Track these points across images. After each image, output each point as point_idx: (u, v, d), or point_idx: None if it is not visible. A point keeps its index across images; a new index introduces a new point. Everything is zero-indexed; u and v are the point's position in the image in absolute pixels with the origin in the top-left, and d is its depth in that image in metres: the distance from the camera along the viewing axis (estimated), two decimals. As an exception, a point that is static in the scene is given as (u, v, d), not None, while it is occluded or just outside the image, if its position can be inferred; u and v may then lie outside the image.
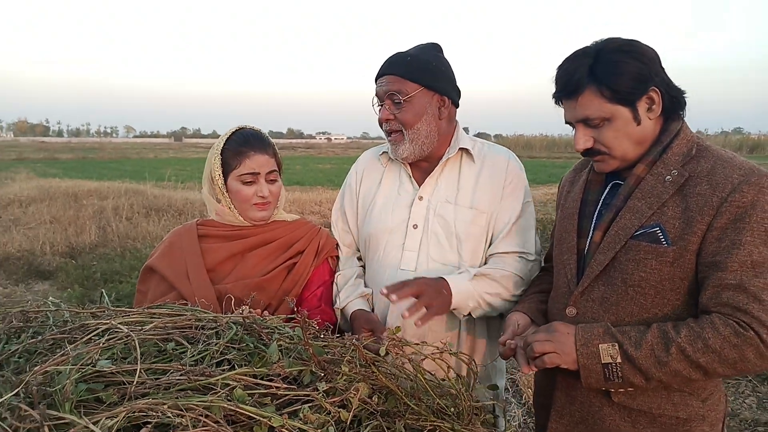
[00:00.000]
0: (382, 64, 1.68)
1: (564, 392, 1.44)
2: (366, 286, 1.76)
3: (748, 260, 1.20)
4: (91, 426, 0.74)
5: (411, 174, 1.75)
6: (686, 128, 1.36)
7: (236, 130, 1.69)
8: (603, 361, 1.28)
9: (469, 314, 1.63)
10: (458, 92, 1.72)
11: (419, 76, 1.62)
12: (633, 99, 1.29)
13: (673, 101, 1.34)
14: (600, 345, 1.28)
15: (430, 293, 1.48)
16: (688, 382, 1.30)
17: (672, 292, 1.30)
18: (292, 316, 1.23)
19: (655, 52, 1.32)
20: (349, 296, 1.71)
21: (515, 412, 3.56)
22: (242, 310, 1.25)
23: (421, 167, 1.74)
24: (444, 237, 1.68)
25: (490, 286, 1.61)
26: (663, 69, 1.33)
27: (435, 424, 1.13)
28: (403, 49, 1.69)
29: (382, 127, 1.70)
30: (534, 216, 1.76)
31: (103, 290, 1.51)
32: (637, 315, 1.33)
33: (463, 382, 1.21)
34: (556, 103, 1.40)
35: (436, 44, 1.71)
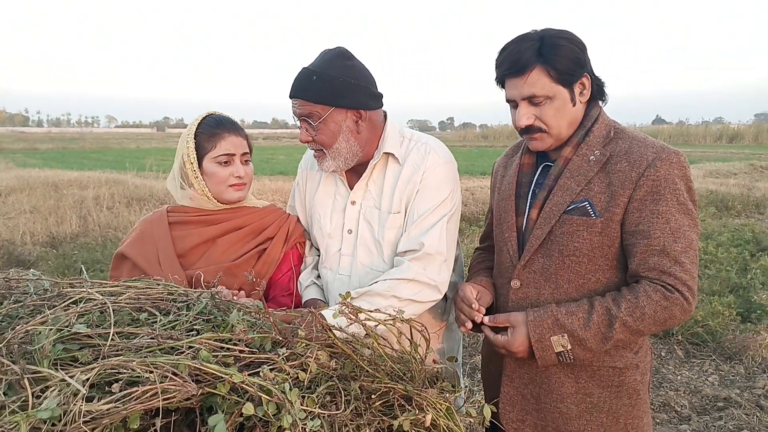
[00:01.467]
0: (293, 81, 1.63)
1: (513, 359, 1.57)
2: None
3: (667, 227, 1.38)
4: (68, 379, 0.83)
5: (344, 179, 1.78)
6: (603, 113, 1.54)
7: (207, 116, 1.76)
8: (556, 351, 1.45)
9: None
10: (376, 96, 1.68)
11: (327, 97, 1.59)
12: (572, 81, 1.45)
13: (599, 89, 1.52)
14: (551, 338, 1.44)
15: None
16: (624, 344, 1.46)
17: (602, 258, 1.47)
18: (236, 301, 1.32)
19: (584, 43, 1.47)
20: (303, 282, 1.80)
21: (463, 381, 3.72)
22: (214, 288, 1.34)
23: (355, 169, 1.75)
24: (372, 242, 1.71)
25: (373, 301, 1.54)
26: (589, 59, 1.49)
27: (389, 386, 1.24)
28: (310, 64, 1.63)
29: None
30: (452, 209, 1.70)
31: (82, 265, 1.59)
32: (574, 282, 1.49)
33: (415, 347, 1.31)
34: (498, 83, 1.53)
35: (343, 51, 1.65)
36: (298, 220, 1.91)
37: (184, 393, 0.90)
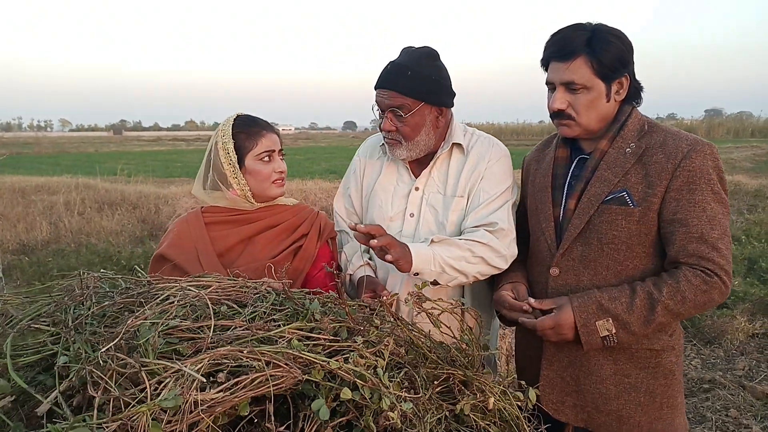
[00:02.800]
0: (381, 72, 1.75)
1: (553, 343, 1.64)
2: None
3: (704, 215, 1.46)
4: (187, 369, 0.85)
5: (408, 167, 1.89)
6: (636, 110, 1.62)
7: (237, 116, 1.78)
8: (601, 335, 1.51)
9: (436, 283, 1.71)
10: (453, 96, 1.83)
11: (421, 92, 1.71)
12: (612, 77, 1.52)
13: (636, 91, 1.59)
14: (596, 322, 1.51)
15: (396, 248, 1.58)
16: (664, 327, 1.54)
17: (639, 246, 1.55)
18: (303, 290, 1.36)
19: (632, 45, 1.54)
20: (357, 264, 1.86)
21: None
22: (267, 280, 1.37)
23: (418, 159, 1.87)
24: (434, 225, 1.83)
25: (448, 249, 1.67)
26: (634, 61, 1.55)
27: (449, 372, 1.29)
28: (398, 58, 1.75)
29: (382, 133, 1.81)
30: (513, 197, 1.85)
31: (135, 266, 1.59)
32: (612, 268, 1.57)
33: (472, 334, 1.37)
34: (543, 64, 1.60)
35: (433, 52, 1.78)
36: (327, 216, 1.95)
37: (291, 379, 0.93)
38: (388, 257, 1.58)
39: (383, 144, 1.91)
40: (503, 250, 1.73)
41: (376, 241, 1.55)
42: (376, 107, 1.79)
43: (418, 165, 1.89)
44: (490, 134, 1.98)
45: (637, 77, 1.60)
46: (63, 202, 8.97)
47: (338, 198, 2.06)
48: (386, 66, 1.75)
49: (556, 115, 1.59)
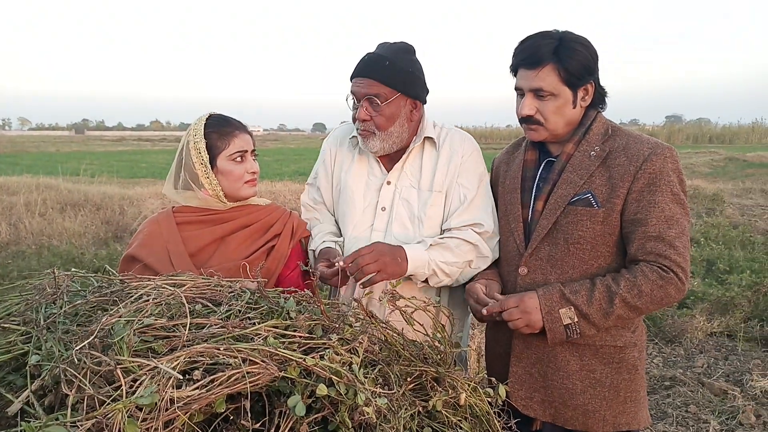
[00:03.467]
0: (358, 63, 1.79)
1: (521, 340, 1.70)
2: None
3: (662, 215, 1.53)
4: (163, 366, 0.86)
5: (379, 160, 1.91)
6: (600, 114, 1.69)
7: (210, 115, 1.77)
8: (564, 323, 1.56)
9: (427, 281, 1.80)
10: (427, 91, 1.88)
11: (397, 82, 1.76)
12: (578, 84, 1.59)
13: (600, 97, 1.67)
14: (560, 310, 1.56)
15: (385, 260, 1.65)
16: (624, 322, 1.60)
17: (604, 246, 1.61)
18: (278, 289, 1.37)
19: (597, 53, 1.61)
20: (321, 238, 1.89)
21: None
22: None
23: (389, 154, 1.90)
24: (407, 218, 1.85)
25: (443, 254, 1.75)
26: (599, 68, 1.63)
27: (422, 369, 1.32)
28: (376, 51, 1.79)
29: (355, 123, 1.83)
30: (490, 192, 1.90)
31: (106, 265, 1.57)
32: (578, 267, 1.62)
33: (444, 331, 1.39)
34: (512, 71, 1.66)
35: (409, 46, 1.83)
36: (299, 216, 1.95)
37: (268, 375, 0.94)
38: (379, 276, 1.64)
39: (354, 136, 1.92)
40: (487, 253, 1.80)
41: (372, 266, 1.62)
42: (350, 98, 1.81)
43: (390, 160, 1.91)
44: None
45: (602, 83, 1.67)
46: (23, 202, 8.71)
47: (306, 189, 2.06)
48: (363, 57, 1.79)
49: (525, 120, 1.65)
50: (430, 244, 1.76)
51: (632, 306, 1.53)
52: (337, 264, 1.66)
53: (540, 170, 1.73)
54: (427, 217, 1.84)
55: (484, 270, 1.82)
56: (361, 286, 1.65)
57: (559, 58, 1.56)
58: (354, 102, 1.81)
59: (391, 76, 1.75)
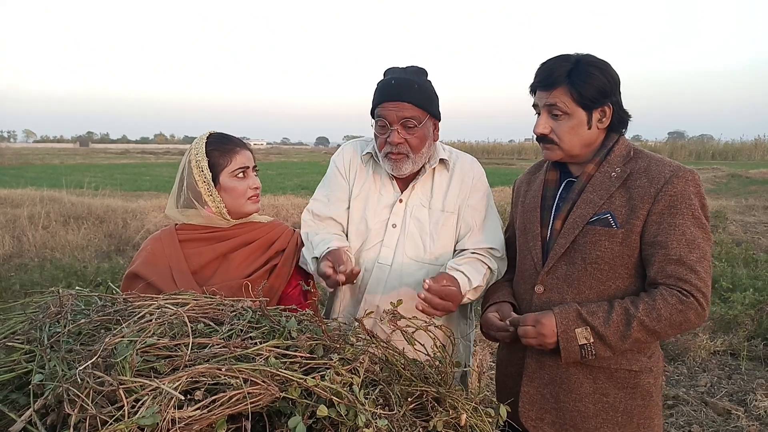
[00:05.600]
0: (385, 87, 1.81)
1: (534, 360, 1.69)
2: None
3: (683, 239, 1.51)
4: (165, 387, 0.86)
5: (394, 179, 1.93)
6: (623, 137, 1.68)
7: (210, 134, 1.79)
8: (580, 343, 1.54)
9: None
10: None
11: (426, 104, 1.81)
12: (592, 107, 1.60)
13: (620, 120, 1.66)
14: (576, 329, 1.54)
15: (445, 304, 1.63)
16: (641, 346, 1.59)
17: (622, 267, 1.59)
18: (279, 307, 1.37)
19: (619, 78, 1.63)
20: (325, 241, 1.83)
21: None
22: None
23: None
24: (419, 237, 1.87)
25: (473, 275, 1.77)
26: (620, 93, 1.64)
27: (423, 389, 1.32)
28: (397, 75, 1.82)
29: (384, 148, 1.83)
30: (497, 212, 1.96)
31: (108, 282, 1.58)
32: (595, 288, 1.61)
33: (445, 351, 1.40)
34: (531, 91, 1.69)
35: (423, 69, 1.88)
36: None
37: (269, 396, 0.95)
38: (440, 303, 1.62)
39: (367, 153, 1.94)
40: (500, 276, 1.87)
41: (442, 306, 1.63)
42: (378, 122, 1.82)
43: (404, 179, 1.93)
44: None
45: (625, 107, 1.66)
46: (27, 215, 8.75)
47: (313, 203, 1.99)
48: (388, 81, 1.82)
49: (541, 139, 1.67)
50: (475, 287, 1.77)
51: (650, 330, 1.51)
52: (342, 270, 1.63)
53: (560, 190, 1.73)
54: (438, 236, 1.87)
55: (496, 291, 1.84)
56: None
57: (572, 81, 1.58)
58: (382, 126, 1.81)
59: (422, 98, 1.79)
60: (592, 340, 1.53)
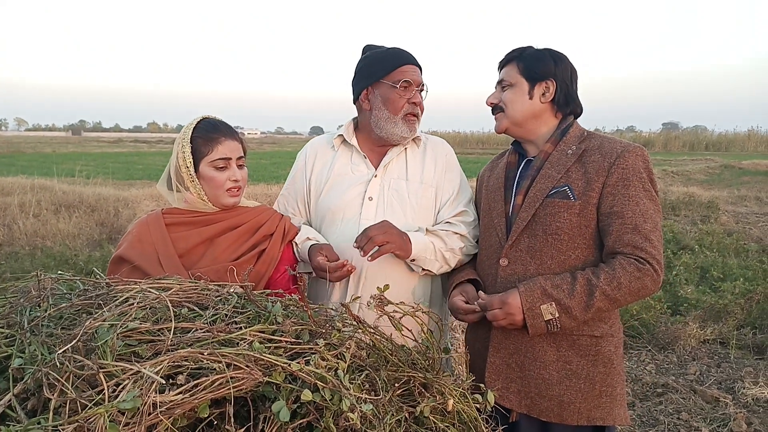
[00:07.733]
0: (400, 52, 1.92)
1: (500, 331, 1.74)
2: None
3: (637, 209, 1.61)
4: (146, 371, 0.85)
5: (366, 156, 1.98)
6: (576, 122, 1.83)
7: (202, 119, 1.77)
8: (545, 319, 1.61)
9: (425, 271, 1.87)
10: None
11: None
12: (534, 79, 1.74)
13: (567, 100, 1.78)
14: (541, 306, 1.60)
15: (393, 232, 1.74)
16: (602, 314, 1.67)
17: (580, 237, 1.68)
18: (265, 291, 1.37)
19: (573, 69, 1.78)
20: (307, 234, 1.92)
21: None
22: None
23: (374, 150, 2.00)
24: (399, 207, 1.91)
25: (442, 241, 1.86)
26: (572, 80, 1.78)
27: (410, 374, 1.31)
28: (385, 48, 1.95)
29: (405, 108, 1.91)
30: (469, 186, 2.05)
31: (94, 268, 1.56)
32: (556, 258, 1.69)
33: (432, 336, 1.39)
34: (498, 70, 1.87)
35: None
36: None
37: (252, 380, 0.94)
38: (388, 247, 1.71)
39: (336, 137, 2.02)
40: (472, 239, 1.93)
41: (381, 237, 1.70)
42: (401, 84, 1.88)
43: (375, 156, 2.00)
44: (455, 143, 2.13)
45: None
46: (18, 203, 8.68)
47: (282, 201, 2.12)
48: (396, 49, 1.93)
49: (492, 110, 1.84)
50: (427, 229, 1.86)
51: (612, 298, 1.59)
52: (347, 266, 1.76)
53: (520, 169, 1.85)
54: (420, 207, 1.93)
55: (457, 271, 1.91)
56: (370, 258, 1.71)
57: (520, 58, 1.77)
58: (405, 87, 1.89)
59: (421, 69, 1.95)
60: (557, 315, 1.60)
